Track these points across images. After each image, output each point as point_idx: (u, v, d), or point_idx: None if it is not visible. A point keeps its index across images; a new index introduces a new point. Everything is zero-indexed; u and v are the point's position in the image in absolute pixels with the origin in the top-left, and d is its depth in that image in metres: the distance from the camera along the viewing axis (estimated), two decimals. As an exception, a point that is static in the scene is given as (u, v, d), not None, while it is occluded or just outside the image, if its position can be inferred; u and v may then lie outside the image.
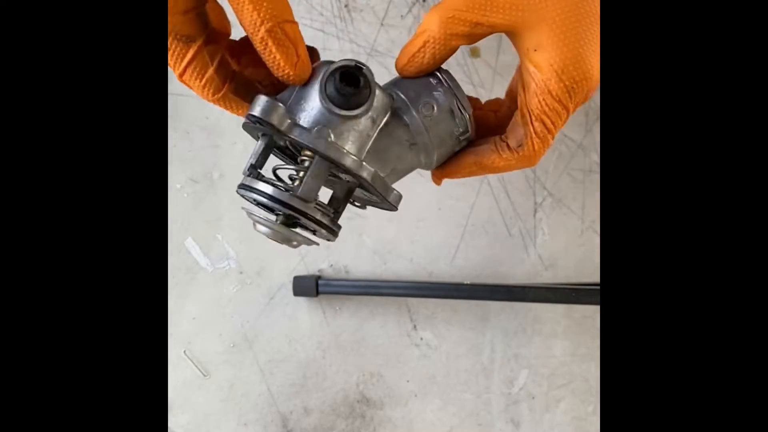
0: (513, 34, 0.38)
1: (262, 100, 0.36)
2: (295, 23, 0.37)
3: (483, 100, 0.47)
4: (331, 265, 0.83)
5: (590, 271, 0.84)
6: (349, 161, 0.37)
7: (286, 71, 0.37)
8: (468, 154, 0.43)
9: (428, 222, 0.83)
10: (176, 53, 0.36)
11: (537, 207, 0.84)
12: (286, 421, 0.82)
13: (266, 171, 0.42)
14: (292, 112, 0.38)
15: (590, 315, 0.84)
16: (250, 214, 0.40)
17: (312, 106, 0.37)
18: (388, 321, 0.83)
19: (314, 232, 0.41)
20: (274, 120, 0.36)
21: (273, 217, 0.41)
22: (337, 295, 0.82)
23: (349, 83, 0.37)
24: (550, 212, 0.84)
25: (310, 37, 0.82)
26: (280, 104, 0.36)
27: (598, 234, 0.83)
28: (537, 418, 0.84)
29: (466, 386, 0.84)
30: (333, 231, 0.40)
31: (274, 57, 0.36)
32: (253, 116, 0.36)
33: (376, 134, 0.39)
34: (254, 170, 0.40)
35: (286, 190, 0.38)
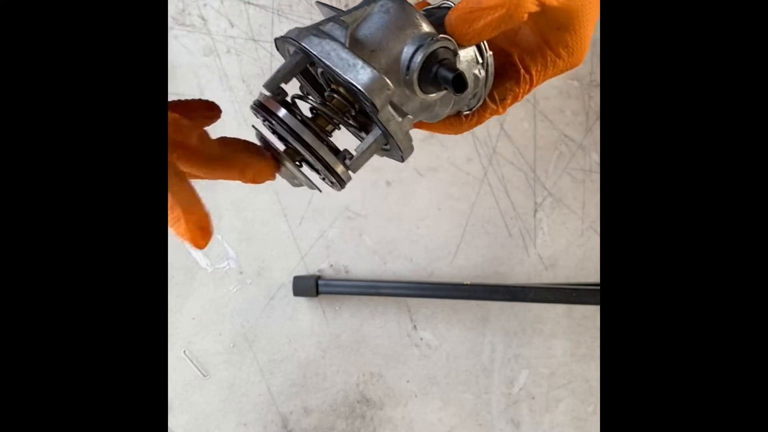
0: (542, 12, 0.38)
1: (371, 75, 0.32)
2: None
3: None
4: (331, 265, 0.83)
5: (590, 271, 0.84)
6: (405, 144, 0.35)
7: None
8: (450, 116, 0.42)
9: (428, 222, 0.83)
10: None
11: (537, 207, 0.84)
12: (286, 421, 0.82)
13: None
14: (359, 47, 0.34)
15: (590, 315, 0.84)
16: (261, 138, 0.37)
17: (387, 64, 0.34)
18: (388, 321, 0.83)
19: (323, 177, 0.38)
20: (378, 101, 0.33)
21: (281, 147, 0.37)
22: (337, 295, 0.82)
23: (455, 77, 0.33)
24: (550, 212, 0.84)
25: (310, 37, 0.82)
26: (390, 85, 0.33)
27: (598, 234, 0.83)
28: (537, 418, 0.84)
29: (466, 386, 0.84)
30: (343, 182, 0.37)
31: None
32: (358, 90, 0.33)
33: (419, 102, 0.37)
34: (280, 91, 0.36)
35: (324, 144, 0.35)
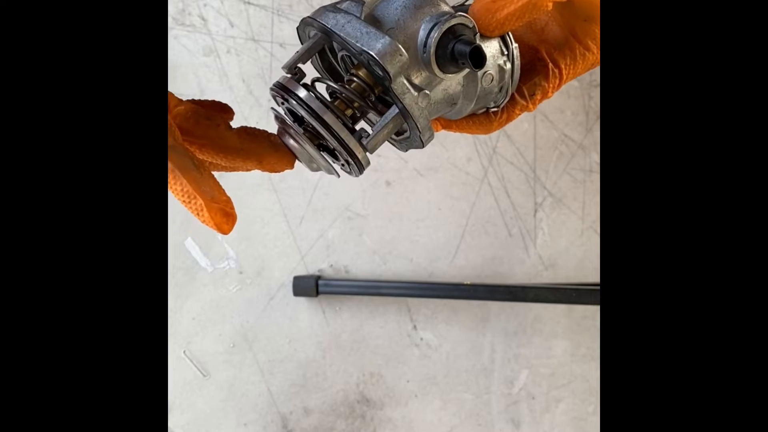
0: (567, 4, 0.38)
1: (385, 42, 0.32)
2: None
3: None
4: (331, 265, 0.83)
5: (590, 271, 0.84)
6: (423, 123, 0.35)
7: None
8: (479, 115, 0.42)
9: (428, 222, 0.83)
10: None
11: (537, 207, 0.84)
12: (286, 422, 0.82)
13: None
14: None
15: (590, 315, 0.84)
16: (281, 121, 0.37)
17: (408, 46, 0.34)
18: (388, 321, 0.83)
19: (342, 163, 0.37)
20: (392, 68, 0.32)
21: (300, 130, 0.36)
22: (337, 295, 0.82)
23: (473, 52, 0.33)
24: (550, 212, 0.84)
25: (310, 37, 0.82)
26: (405, 53, 0.32)
27: (598, 234, 0.83)
28: (537, 418, 0.84)
29: (466, 386, 0.84)
30: (362, 167, 0.36)
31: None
32: (371, 56, 0.32)
33: (441, 86, 0.36)
34: (298, 71, 0.36)
35: (349, 130, 0.34)
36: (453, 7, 0.40)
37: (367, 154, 0.36)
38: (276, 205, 0.82)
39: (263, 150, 0.41)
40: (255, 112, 0.82)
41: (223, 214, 0.36)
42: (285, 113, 0.36)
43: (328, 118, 0.34)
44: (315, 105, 0.34)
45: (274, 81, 0.36)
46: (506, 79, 0.38)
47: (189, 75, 0.82)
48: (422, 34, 0.34)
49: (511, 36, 0.38)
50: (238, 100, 0.82)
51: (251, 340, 0.82)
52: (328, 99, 0.37)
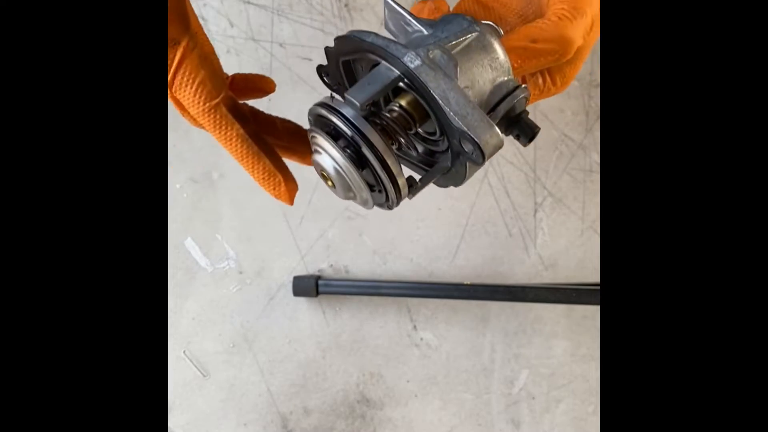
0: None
1: (498, 136, 0.31)
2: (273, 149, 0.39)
3: None
4: (331, 265, 0.83)
5: (590, 271, 0.84)
6: (474, 170, 0.35)
7: (273, 193, 0.39)
8: None
9: (428, 222, 0.83)
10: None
11: (537, 207, 0.84)
12: (285, 422, 0.82)
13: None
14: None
15: (590, 315, 0.84)
16: (318, 144, 0.35)
17: (478, 102, 0.34)
18: (388, 321, 0.83)
19: (379, 193, 0.35)
20: (489, 156, 0.32)
21: (340, 155, 0.34)
22: (337, 295, 0.82)
23: (533, 135, 0.35)
24: (550, 212, 0.84)
25: (310, 37, 0.82)
26: (504, 142, 0.32)
27: (598, 234, 0.83)
28: (537, 418, 0.84)
29: (466, 386, 0.84)
30: (400, 197, 0.35)
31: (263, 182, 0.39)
32: (478, 148, 0.31)
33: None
34: (369, 107, 0.33)
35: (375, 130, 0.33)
36: (447, 15, 0.40)
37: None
38: (276, 205, 0.83)
39: (306, 148, 0.42)
40: (255, 112, 0.82)
41: (294, 190, 0.41)
42: (326, 138, 0.34)
43: (376, 141, 0.33)
44: (364, 127, 0.32)
45: (316, 103, 0.35)
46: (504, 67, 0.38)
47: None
48: (491, 100, 0.35)
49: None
50: (238, 100, 0.82)
51: (251, 340, 0.82)
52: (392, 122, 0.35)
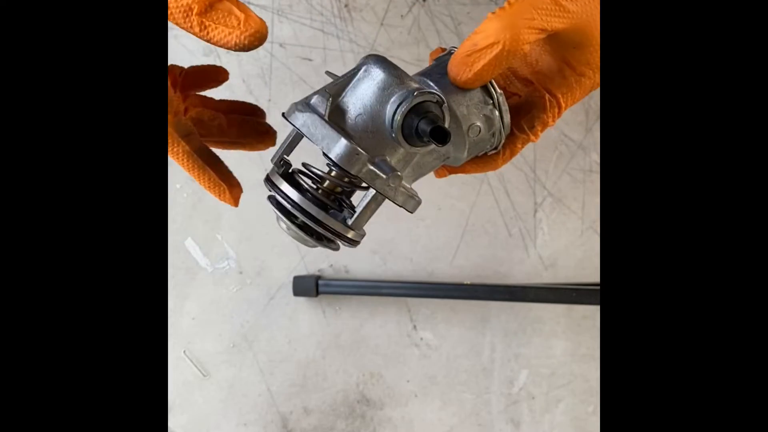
0: (553, 35, 0.37)
1: (343, 145, 0.34)
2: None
3: None
4: (331, 265, 0.83)
5: (590, 271, 0.84)
6: (401, 200, 0.37)
7: (239, 40, 0.34)
8: (484, 155, 0.42)
9: (428, 222, 0.83)
10: None
11: (537, 207, 0.84)
12: (285, 422, 0.82)
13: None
14: (343, 120, 0.36)
15: (590, 315, 0.84)
16: (272, 206, 0.39)
17: (374, 127, 0.36)
18: (388, 321, 0.83)
19: (340, 246, 0.40)
20: (354, 170, 0.34)
21: (291, 224, 0.39)
22: (337, 295, 0.82)
23: (435, 129, 0.34)
24: (550, 212, 0.84)
25: (310, 37, 0.82)
26: (363, 153, 0.34)
27: (598, 234, 0.83)
28: (537, 418, 0.84)
29: (466, 386, 0.84)
30: (355, 242, 0.39)
31: (216, 34, 0.35)
32: (333, 161, 0.35)
33: (422, 153, 0.38)
34: (283, 164, 0.39)
35: (321, 204, 0.37)
36: (442, 56, 0.41)
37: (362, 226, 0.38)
38: (276, 205, 0.82)
39: (253, 139, 0.47)
40: (255, 112, 0.82)
41: (237, 194, 0.43)
42: (275, 205, 0.39)
43: (313, 210, 0.36)
44: (298, 198, 0.37)
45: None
46: (496, 125, 0.38)
47: (189, 75, 0.82)
48: (388, 115, 0.35)
49: (494, 83, 0.38)
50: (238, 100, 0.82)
51: (251, 340, 0.82)
52: (318, 176, 0.39)
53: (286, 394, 0.82)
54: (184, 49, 0.82)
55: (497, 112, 0.38)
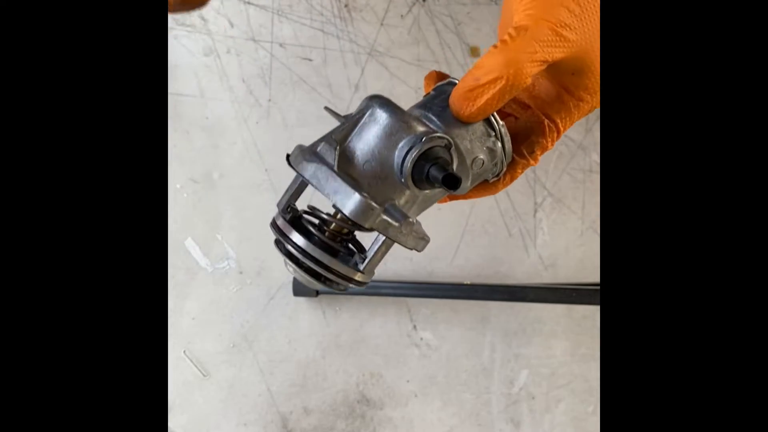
0: (552, 64, 0.37)
1: (356, 200, 0.33)
2: None
3: None
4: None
5: (590, 271, 0.84)
6: (411, 243, 0.36)
7: None
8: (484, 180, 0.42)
9: (428, 222, 0.83)
10: None
11: (537, 207, 0.84)
12: (285, 421, 0.82)
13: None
14: (351, 165, 0.36)
15: (590, 315, 0.84)
16: (280, 251, 0.39)
17: (383, 173, 0.36)
18: (388, 321, 0.83)
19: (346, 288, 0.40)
20: (368, 224, 0.34)
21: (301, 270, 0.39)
22: (337, 295, 0.82)
23: (445, 174, 0.34)
24: (550, 212, 0.84)
25: (310, 37, 0.82)
26: (377, 206, 0.34)
27: (598, 234, 0.83)
28: (537, 418, 0.84)
29: (466, 386, 0.84)
30: (363, 284, 0.39)
31: None
32: (346, 217, 0.34)
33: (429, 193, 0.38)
34: (290, 210, 0.39)
35: (333, 252, 0.37)
36: (441, 85, 0.40)
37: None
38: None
39: None
40: (255, 111, 0.82)
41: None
42: (282, 251, 0.39)
43: (324, 258, 0.36)
44: (305, 246, 0.36)
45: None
46: (498, 155, 0.38)
47: (189, 75, 0.83)
48: (397, 161, 0.35)
49: (495, 115, 0.38)
50: (239, 100, 0.82)
51: (251, 340, 0.82)
52: (324, 219, 0.39)
53: (286, 394, 0.82)
54: (184, 49, 0.82)
55: (500, 144, 0.38)
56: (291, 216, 0.39)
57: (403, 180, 0.35)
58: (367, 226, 0.34)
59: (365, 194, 0.33)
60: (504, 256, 0.84)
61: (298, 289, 0.81)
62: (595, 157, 0.85)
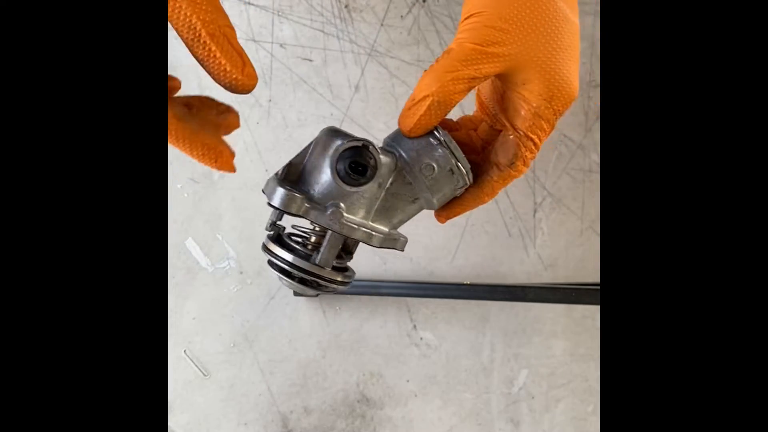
0: (501, 74, 0.41)
1: (280, 192, 0.40)
2: (234, 30, 0.37)
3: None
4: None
5: (590, 271, 0.84)
6: (359, 234, 0.42)
7: (234, 76, 0.36)
8: (468, 192, 0.46)
9: (428, 222, 0.83)
10: None
11: (537, 207, 0.84)
12: (286, 421, 0.82)
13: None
14: (306, 182, 0.42)
15: (590, 315, 0.84)
16: (272, 267, 0.44)
17: (324, 180, 0.41)
18: (388, 321, 0.83)
19: (331, 290, 0.45)
20: (293, 209, 0.40)
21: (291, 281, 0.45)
22: (337, 295, 0.83)
23: (358, 166, 0.40)
24: (549, 212, 0.84)
25: (310, 37, 0.82)
26: (297, 195, 0.40)
27: (597, 234, 0.84)
28: (537, 417, 0.84)
29: (466, 386, 0.84)
30: (346, 284, 0.45)
31: (219, 62, 0.35)
32: (274, 206, 0.41)
33: (382, 195, 0.42)
34: (274, 228, 0.45)
35: (305, 256, 0.43)
36: None
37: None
38: (276, 205, 0.82)
39: (223, 119, 0.45)
40: (255, 111, 0.82)
41: (232, 156, 0.42)
42: (274, 268, 0.45)
43: (315, 270, 0.42)
44: (303, 265, 0.42)
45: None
46: (450, 161, 0.42)
47: (189, 75, 0.82)
48: (330, 168, 0.41)
49: (438, 127, 0.43)
50: (239, 100, 0.82)
51: (251, 340, 0.82)
52: (305, 233, 0.46)
53: (287, 394, 0.82)
54: (184, 49, 0.82)
55: (446, 150, 0.42)
56: (276, 234, 0.45)
57: (335, 183, 0.40)
58: (293, 211, 0.40)
59: (288, 188, 0.40)
60: (504, 256, 0.84)
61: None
62: (595, 157, 0.85)
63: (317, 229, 0.44)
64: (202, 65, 0.36)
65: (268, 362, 0.83)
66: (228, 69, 0.36)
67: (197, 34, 0.35)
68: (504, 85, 0.43)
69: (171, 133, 0.38)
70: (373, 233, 0.42)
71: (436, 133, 0.42)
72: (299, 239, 0.46)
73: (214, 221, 0.83)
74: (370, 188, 0.41)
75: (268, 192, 0.42)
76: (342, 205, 0.41)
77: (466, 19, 0.41)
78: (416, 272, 0.83)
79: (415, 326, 0.84)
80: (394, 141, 0.44)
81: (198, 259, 0.83)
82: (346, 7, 0.83)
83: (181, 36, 0.35)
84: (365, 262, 0.83)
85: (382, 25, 0.82)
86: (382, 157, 0.41)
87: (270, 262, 0.45)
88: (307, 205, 0.41)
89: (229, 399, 0.82)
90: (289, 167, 0.43)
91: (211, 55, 0.35)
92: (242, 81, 0.36)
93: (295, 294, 0.82)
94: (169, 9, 0.34)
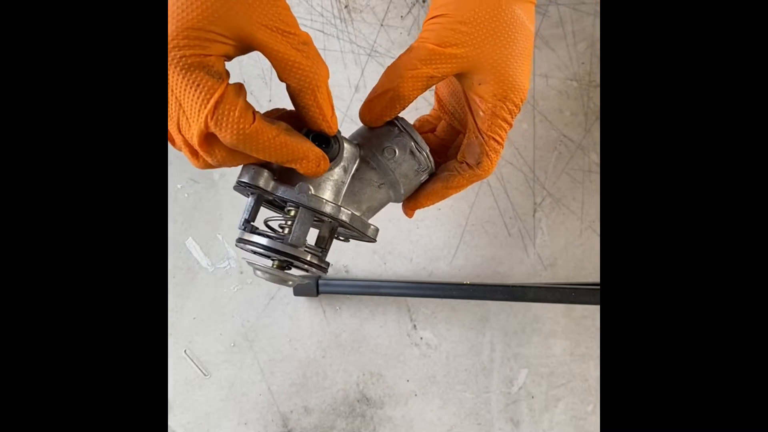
0: (459, 74, 0.44)
1: (249, 168, 0.42)
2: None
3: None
4: (331, 265, 0.83)
5: (590, 271, 0.84)
6: (328, 209, 0.44)
7: (327, 123, 0.41)
8: (433, 182, 0.48)
9: (428, 222, 0.83)
10: (206, 88, 0.35)
11: (536, 207, 0.84)
12: (286, 421, 0.82)
13: (258, 221, 0.48)
14: (275, 170, 0.44)
15: (590, 315, 0.84)
16: (249, 262, 0.46)
17: None
18: (388, 321, 0.83)
19: (306, 270, 0.47)
20: (261, 183, 0.42)
21: (270, 263, 0.46)
22: (337, 295, 0.83)
23: (321, 143, 0.42)
24: (549, 212, 0.84)
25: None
26: (265, 170, 0.42)
27: (597, 234, 0.84)
28: (536, 417, 0.84)
29: (466, 386, 0.84)
30: (323, 268, 0.47)
31: (323, 111, 0.41)
32: (243, 182, 0.43)
33: (349, 180, 0.45)
34: (248, 224, 0.47)
35: (279, 239, 0.44)
36: None
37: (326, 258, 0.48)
38: (276, 205, 0.82)
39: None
40: (255, 112, 0.82)
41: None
42: (254, 255, 0.47)
43: (289, 250, 0.44)
44: (277, 246, 0.44)
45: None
46: (410, 144, 0.45)
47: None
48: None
49: (399, 116, 0.46)
50: (238, 100, 0.82)
51: (252, 340, 0.83)
52: (280, 230, 0.48)
53: (287, 394, 0.82)
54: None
55: (405, 134, 0.45)
56: (250, 228, 0.47)
57: None
58: (261, 185, 0.42)
59: (254, 166, 0.42)
60: (503, 256, 0.84)
61: (299, 289, 0.81)
62: (595, 157, 0.85)
63: (290, 212, 0.46)
64: (302, 111, 0.42)
65: (268, 362, 0.83)
66: (327, 116, 0.41)
67: (316, 86, 0.40)
68: (462, 84, 0.45)
69: (284, 140, 0.40)
70: (342, 208, 0.44)
71: (395, 121, 0.46)
72: (270, 230, 0.48)
73: (214, 221, 0.83)
74: (336, 172, 0.43)
75: (242, 172, 0.43)
76: (310, 186, 0.43)
77: (430, 19, 0.43)
78: (416, 272, 0.84)
79: (415, 326, 0.84)
80: (357, 133, 0.48)
81: (198, 258, 0.83)
82: (346, 7, 0.83)
83: (292, 88, 0.41)
84: (365, 262, 0.83)
85: (382, 25, 0.83)
86: (346, 144, 0.44)
87: (247, 259, 0.47)
88: (274, 182, 0.43)
89: (229, 399, 0.82)
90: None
91: (317, 105, 0.41)
92: (333, 126, 0.42)
93: (296, 293, 0.82)
94: (286, 65, 0.39)
